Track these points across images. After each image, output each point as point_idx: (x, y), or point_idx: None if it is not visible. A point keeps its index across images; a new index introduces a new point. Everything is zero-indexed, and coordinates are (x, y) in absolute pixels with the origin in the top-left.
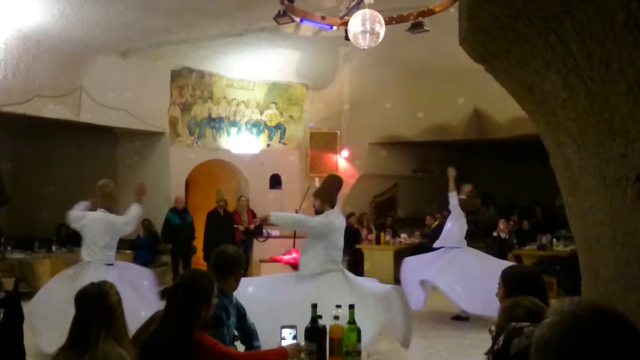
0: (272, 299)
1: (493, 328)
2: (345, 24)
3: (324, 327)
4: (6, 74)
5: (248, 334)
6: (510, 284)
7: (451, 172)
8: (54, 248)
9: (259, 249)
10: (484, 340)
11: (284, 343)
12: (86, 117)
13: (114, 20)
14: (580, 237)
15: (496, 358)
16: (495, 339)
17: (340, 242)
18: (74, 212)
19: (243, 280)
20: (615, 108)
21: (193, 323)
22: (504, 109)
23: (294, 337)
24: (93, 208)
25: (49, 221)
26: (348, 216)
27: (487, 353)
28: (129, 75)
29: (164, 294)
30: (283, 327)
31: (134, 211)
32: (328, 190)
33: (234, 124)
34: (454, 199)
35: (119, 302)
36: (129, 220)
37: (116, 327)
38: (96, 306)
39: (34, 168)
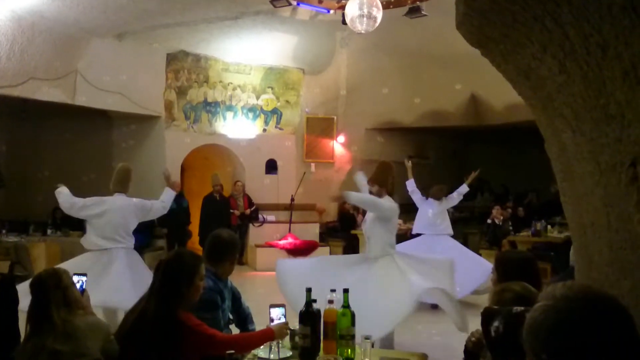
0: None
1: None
2: (343, 7)
3: (318, 310)
4: (0, 56)
5: (243, 318)
6: (504, 269)
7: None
8: (49, 231)
9: (255, 233)
10: (477, 326)
11: (273, 323)
12: (81, 100)
13: (110, 2)
14: (575, 222)
15: (495, 344)
16: (487, 324)
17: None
18: (73, 198)
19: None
20: (611, 93)
21: (175, 301)
22: (501, 96)
23: (284, 317)
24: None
25: (44, 205)
26: (344, 202)
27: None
28: (125, 58)
29: None
30: (272, 305)
31: (170, 194)
32: (383, 177)
33: (230, 108)
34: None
35: (73, 284)
36: (168, 203)
37: (76, 304)
38: (53, 287)
39: (29, 151)
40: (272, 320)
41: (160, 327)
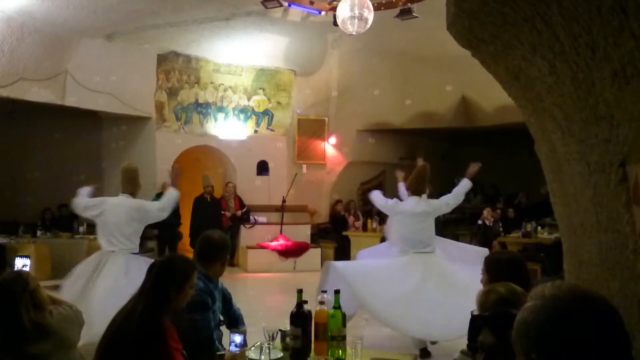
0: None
1: (474, 311)
2: (334, 9)
3: (309, 311)
4: None
5: (234, 319)
6: (493, 270)
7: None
8: (38, 233)
9: (246, 235)
10: None
11: (232, 348)
12: (71, 100)
13: (100, 2)
14: (565, 223)
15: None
16: (477, 328)
17: (413, 227)
18: (84, 198)
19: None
20: (600, 93)
21: (162, 305)
22: (492, 97)
23: (235, 345)
24: (96, 194)
25: (33, 206)
26: (335, 203)
27: (470, 340)
28: (115, 59)
29: None
30: (232, 331)
31: (171, 195)
32: (412, 179)
33: (221, 109)
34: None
35: (39, 286)
36: (165, 205)
37: (45, 303)
38: (21, 291)
39: (19, 152)
40: (231, 342)
41: (143, 330)
